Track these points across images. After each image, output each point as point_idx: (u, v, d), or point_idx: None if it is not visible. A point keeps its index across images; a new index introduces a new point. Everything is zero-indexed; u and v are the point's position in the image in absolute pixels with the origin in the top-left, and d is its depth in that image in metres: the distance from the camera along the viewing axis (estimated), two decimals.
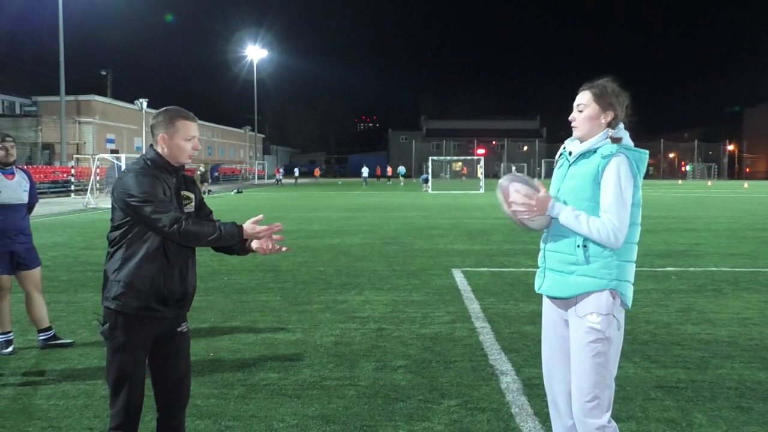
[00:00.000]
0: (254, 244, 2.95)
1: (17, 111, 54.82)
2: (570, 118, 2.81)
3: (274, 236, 2.96)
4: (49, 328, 5.39)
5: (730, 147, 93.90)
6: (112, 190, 2.83)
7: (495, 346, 5.41)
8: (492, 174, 71.35)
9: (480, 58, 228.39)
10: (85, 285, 8.21)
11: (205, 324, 6.15)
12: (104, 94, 57.37)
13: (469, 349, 5.34)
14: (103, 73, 66.68)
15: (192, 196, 3.01)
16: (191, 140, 2.91)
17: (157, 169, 2.86)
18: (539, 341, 5.36)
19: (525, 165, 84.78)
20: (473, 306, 6.92)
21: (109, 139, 51.04)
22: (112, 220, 2.85)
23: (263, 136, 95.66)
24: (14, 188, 5.21)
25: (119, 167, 28.13)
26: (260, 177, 71.03)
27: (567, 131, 2.94)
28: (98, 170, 30.11)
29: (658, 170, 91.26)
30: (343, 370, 4.81)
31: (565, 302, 2.75)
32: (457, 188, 44.62)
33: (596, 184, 2.65)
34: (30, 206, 5.44)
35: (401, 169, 62.76)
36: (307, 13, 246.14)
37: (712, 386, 4.42)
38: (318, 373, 4.74)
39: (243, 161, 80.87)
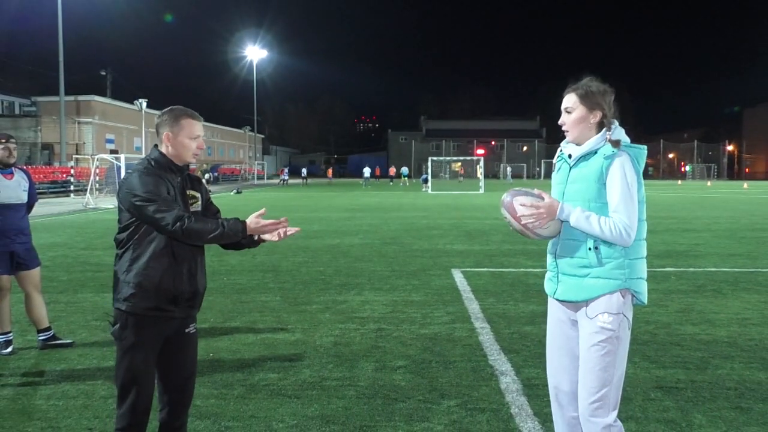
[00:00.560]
0: (265, 236, 2.94)
1: (17, 111, 54.84)
2: (560, 122, 2.80)
3: (288, 231, 2.95)
4: (48, 329, 5.39)
5: (730, 147, 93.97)
6: (118, 192, 2.83)
7: (495, 346, 5.41)
8: (491, 174, 71.41)
9: (480, 58, 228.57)
10: (85, 285, 8.21)
11: (205, 324, 6.15)
12: (104, 95, 57.38)
13: (469, 349, 5.34)
14: (103, 73, 66.74)
15: (198, 195, 3.00)
16: (196, 139, 2.90)
17: (161, 168, 2.85)
18: (539, 342, 5.39)
19: (524, 165, 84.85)
20: (473, 306, 6.92)
21: (109, 140, 51.04)
22: (119, 221, 2.85)
23: (263, 136, 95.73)
24: (13, 188, 5.21)
25: (119, 167, 28.12)
26: (260, 177, 71.02)
27: None
28: (98, 170, 30.12)
29: (658, 170, 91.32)
30: (343, 370, 4.81)
31: (576, 304, 2.75)
32: (456, 189, 44.62)
33: (601, 185, 2.65)
34: (29, 206, 5.44)
35: (404, 169, 62.84)
36: (306, 13, 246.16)
37: (712, 386, 4.42)
38: (318, 373, 4.74)
39: (242, 161, 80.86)
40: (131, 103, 42.61)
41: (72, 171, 36.01)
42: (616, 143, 2.67)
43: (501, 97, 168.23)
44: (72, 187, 34.86)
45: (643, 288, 2.72)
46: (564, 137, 2.84)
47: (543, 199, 2.71)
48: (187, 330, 2.95)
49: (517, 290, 7.75)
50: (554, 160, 2.95)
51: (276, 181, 65.32)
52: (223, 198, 32.92)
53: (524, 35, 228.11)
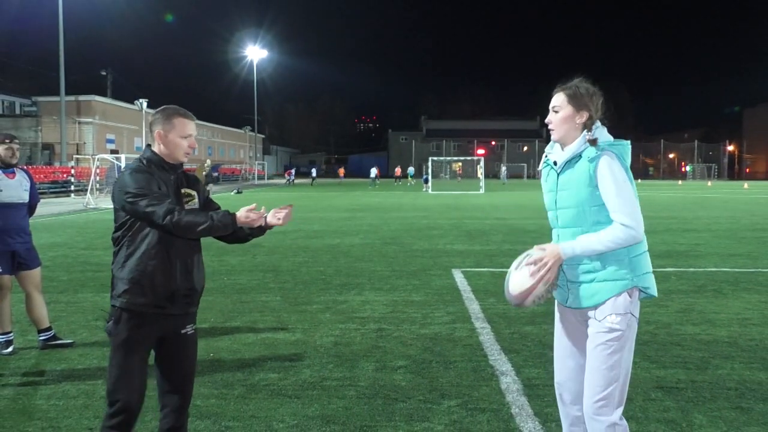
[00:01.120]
0: (270, 220, 2.90)
1: (17, 111, 54.83)
2: (546, 120, 2.81)
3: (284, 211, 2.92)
4: (49, 329, 5.39)
5: (730, 147, 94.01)
6: (113, 192, 2.84)
7: (495, 346, 5.41)
8: (491, 174, 71.36)
9: (480, 58, 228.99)
10: (85, 285, 8.21)
11: (205, 324, 6.15)
12: (104, 95, 57.36)
13: (469, 349, 5.34)
14: (103, 73, 66.74)
15: (194, 193, 3.00)
16: (188, 138, 2.92)
17: (154, 166, 2.87)
18: (539, 342, 5.39)
19: (525, 165, 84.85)
20: (473, 306, 6.92)
21: (109, 140, 51.03)
22: (115, 220, 2.86)
23: (263, 136, 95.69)
24: (15, 187, 5.22)
25: (119, 167, 28.13)
26: (260, 177, 71.01)
27: None
28: (98, 170, 30.12)
29: (658, 170, 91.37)
30: (343, 370, 4.81)
31: (584, 310, 2.75)
32: (456, 189, 44.61)
33: (592, 188, 2.65)
34: (31, 206, 5.45)
35: (411, 169, 62.73)
36: (306, 13, 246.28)
37: (712, 387, 4.42)
38: (318, 373, 4.74)
39: (243, 161, 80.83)
40: (132, 103, 42.55)
41: (72, 171, 36.01)
42: (593, 141, 2.67)
43: (501, 97, 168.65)
44: (72, 187, 34.87)
45: (651, 282, 2.72)
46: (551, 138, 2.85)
47: (543, 249, 2.70)
48: (184, 331, 2.94)
49: None
50: (540, 167, 2.95)
51: (281, 180, 65.40)
52: (224, 198, 32.93)
53: (524, 35, 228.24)
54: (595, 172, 2.63)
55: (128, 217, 2.79)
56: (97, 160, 30.31)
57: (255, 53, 71.36)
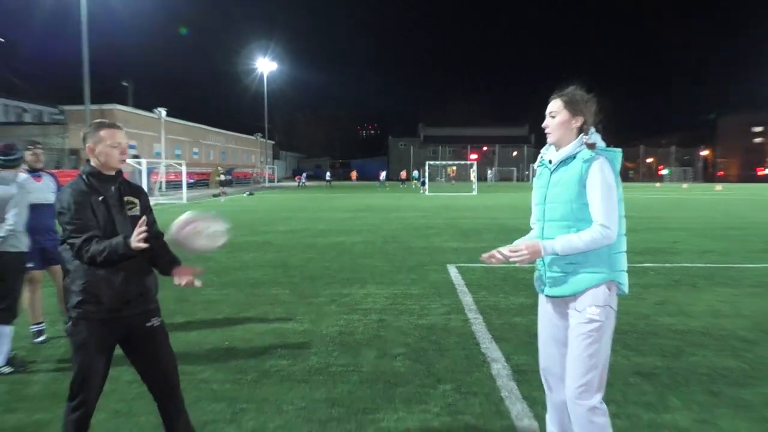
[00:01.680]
0: (175, 280, 2.84)
1: (45, 119, 54.85)
2: (543, 125, 2.82)
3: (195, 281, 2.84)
4: None
5: (704, 152, 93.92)
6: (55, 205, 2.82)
7: (486, 335, 5.43)
8: (483, 177, 71.23)
9: (473, 70, 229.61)
10: None
11: (221, 315, 6.18)
12: (125, 104, 57.30)
13: (463, 338, 5.36)
14: (125, 84, 66.63)
15: (136, 201, 2.94)
16: (117, 146, 2.87)
17: (93, 179, 2.84)
18: (527, 331, 5.41)
19: (515, 169, 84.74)
20: (466, 299, 6.94)
21: (131, 145, 50.81)
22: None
23: (273, 142, 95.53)
24: (42, 189, 5.27)
25: (140, 171, 28.13)
26: (270, 180, 70.96)
27: None
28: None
29: (638, 174, 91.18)
30: (347, 357, 4.83)
31: (564, 299, 2.77)
32: (451, 191, 44.57)
33: (581, 187, 2.67)
34: None
35: (415, 173, 62.56)
36: (313, 29, 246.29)
37: (686, 373, 4.44)
38: (324, 360, 4.76)
39: (254, 166, 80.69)
40: (151, 111, 42.62)
41: None
42: (591, 145, 2.70)
43: (492, 105, 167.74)
44: None
45: (624, 279, 2.75)
46: (546, 143, 2.87)
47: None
48: (148, 324, 2.86)
49: (507, 284, 7.76)
50: (535, 165, 2.97)
51: (291, 183, 65.41)
52: (237, 199, 32.93)
53: (514, 49, 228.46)
54: (587, 172, 2.66)
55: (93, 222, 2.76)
56: None
57: (265, 66, 71.21)
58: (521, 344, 5.12)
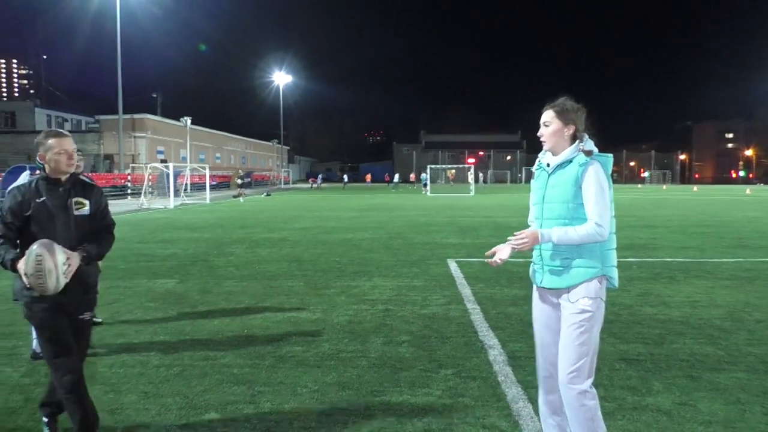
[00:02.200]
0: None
1: (83, 128, 55.12)
2: (539, 134, 2.80)
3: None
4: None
5: (682, 156, 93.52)
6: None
7: (484, 324, 5.40)
8: (479, 180, 71.02)
9: (470, 81, 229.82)
10: (139, 273, 8.24)
11: (241, 305, 6.17)
12: (155, 113, 57.51)
13: (462, 326, 5.33)
14: (154, 95, 67.10)
15: (86, 202, 2.95)
16: (64, 153, 2.86)
17: (42, 182, 2.87)
18: (521, 320, 5.37)
19: (508, 172, 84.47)
20: (465, 290, 6.90)
21: (159, 151, 51.15)
22: None
23: (288, 147, 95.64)
24: None
25: (167, 174, 28.19)
26: (285, 183, 71.05)
27: None
28: (150, 177, 30.20)
29: (621, 176, 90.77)
30: (356, 344, 4.81)
31: (558, 291, 2.74)
32: (450, 192, 44.50)
33: (577, 188, 2.65)
34: None
35: (423, 176, 62.28)
36: (325, 46, 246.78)
37: (668, 359, 4.39)
38: (335, 346, 4.74)
39: (271, 169, 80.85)
40: (178, 120, 42.70)
41: (129, 177, 36.25)
42: (588, 153, 2.68)
43: (488, 114, 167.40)
44: (129, 191, 35.02)
45: (615, 274, 2.72)
46: (542, 148, 2.84)
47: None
48: (81, 317, 2.92)
49: (502, 277, 7.72)
50: (533, 168, 2.94)
51: (304, 185, 65.56)
52: (255, 200, 32.96)
53: (507, 62, 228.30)
54: (583, 175, 2.63)
55: (20, 224, 2.77)
56: (149, 168, 30.40)
57: (281, 79, 71.41)
58: (516, 332, 5.09)
